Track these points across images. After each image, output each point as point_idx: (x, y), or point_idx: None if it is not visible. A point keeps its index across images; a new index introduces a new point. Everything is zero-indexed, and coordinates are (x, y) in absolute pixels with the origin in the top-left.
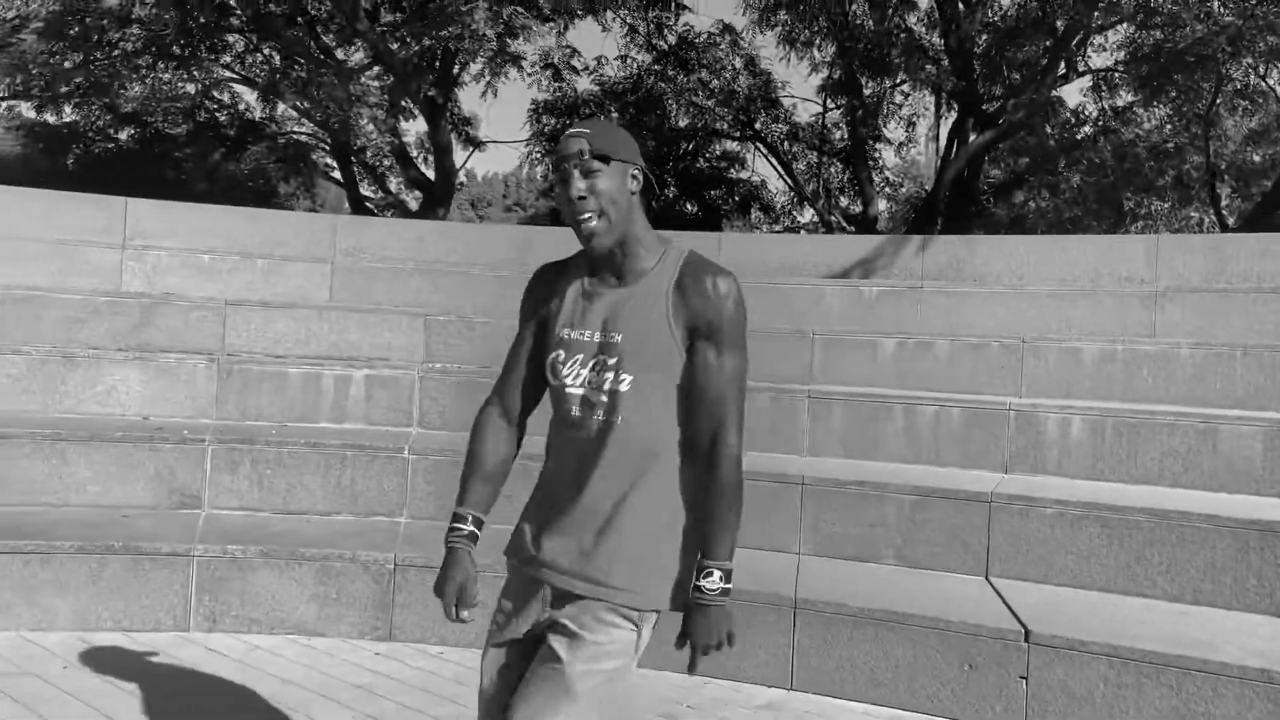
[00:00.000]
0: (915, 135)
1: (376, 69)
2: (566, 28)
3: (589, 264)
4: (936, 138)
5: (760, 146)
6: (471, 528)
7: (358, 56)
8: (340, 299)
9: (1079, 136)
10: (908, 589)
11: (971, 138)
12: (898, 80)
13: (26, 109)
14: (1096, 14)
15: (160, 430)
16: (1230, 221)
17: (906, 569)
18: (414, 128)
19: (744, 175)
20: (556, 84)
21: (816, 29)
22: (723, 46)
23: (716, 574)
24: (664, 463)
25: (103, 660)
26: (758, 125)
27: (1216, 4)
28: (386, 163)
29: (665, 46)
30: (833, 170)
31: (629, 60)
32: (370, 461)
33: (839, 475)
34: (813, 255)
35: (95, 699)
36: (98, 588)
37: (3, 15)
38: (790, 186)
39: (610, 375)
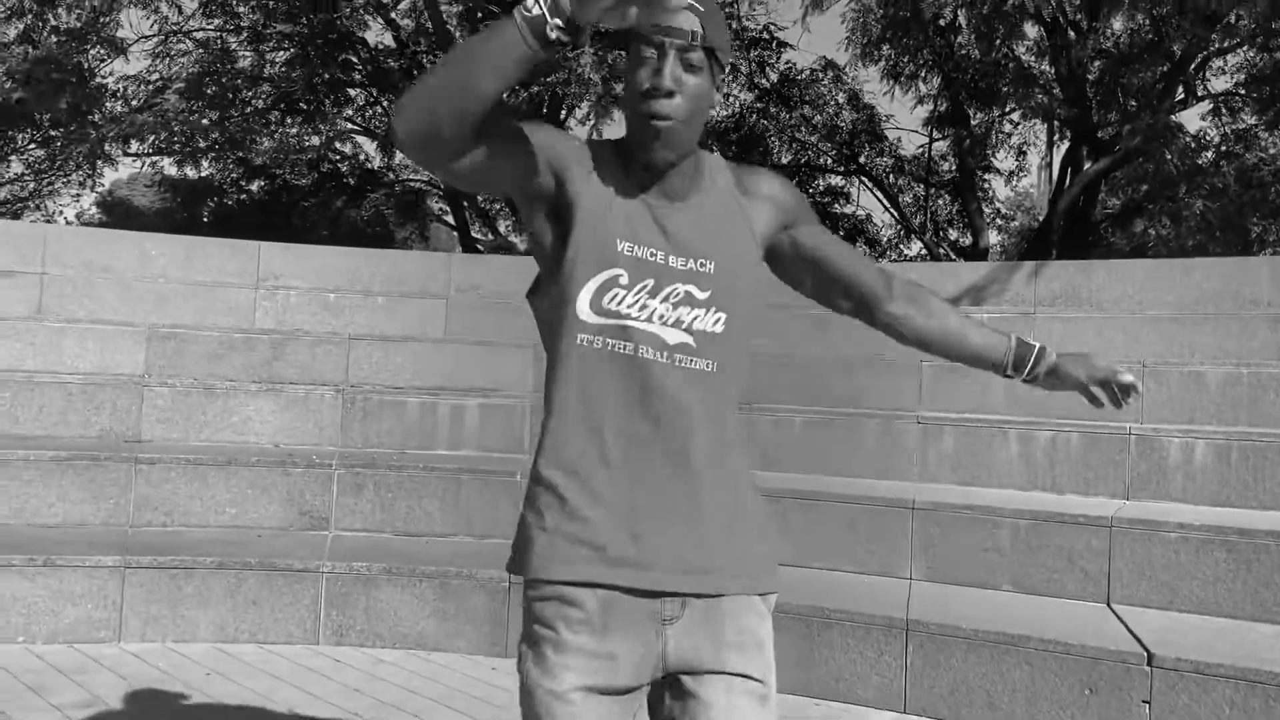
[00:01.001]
0: (1026, 164)
1: None
2: None
3: (629, 169)
4: (1049, 166)
5: (865, 180)
6: None
7: None
8: (454, 333)
9: (1200, 162)
10: (1024, 613)
11: (1086, 166)
12: (1006, 109)
13: (168, 165)
14: (1214, 36)
15: (291, 456)
16: None
17: (1023, 595)
18: None
19: (849, 210)
20: None
21: (921, 61)
22: (825, 82)
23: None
24: (740, 418)
25: (240, 670)
26: (862, 159)
27: None
28: (496, 206)
29: (767, 84)
30: (940, 202)
31: (731, 99)
32: (484, 485)
33: (951, 500)
34: (921, 282)
35: (234, 706)
36: (235, 602)
37: (147, 78)
38: (897, 219)
39: (699, 312)
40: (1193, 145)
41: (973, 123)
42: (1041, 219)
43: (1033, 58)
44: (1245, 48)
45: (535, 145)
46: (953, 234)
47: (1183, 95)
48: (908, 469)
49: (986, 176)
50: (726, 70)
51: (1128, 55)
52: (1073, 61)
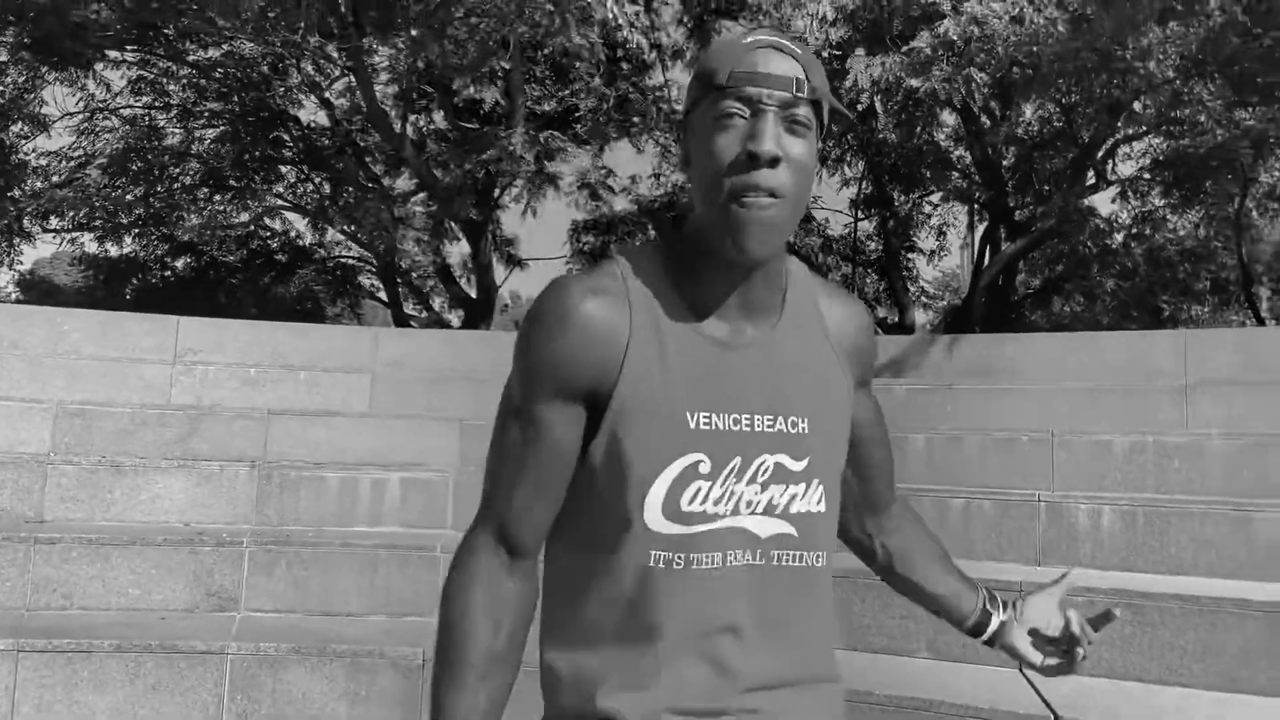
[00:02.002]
0: (947, 244)
1: (422, 194)
2: (602, 149)
3: (685, 282)
4: (970, 246)
5: (795, 259)
6: None
7: (403, 182)
8: (380, 408)
9: (1110, 243)
10: (940, 679)
11: (1004, 246)
12: (927, 191)
13: (89, 241)
14: (1119, 124)
15: (200, 534)
16: (1271, 324)
17: (940, 661)
18: (457, 249)
19: None
20: (594, 203)
21: (845, 146)
22: None
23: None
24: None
25: None
26: (792, 238)
27: (1238, 109)
28: (430, 283)
29: None
30: (868, 281)
31: (662, 179)
32: (404, 561)
33: (864, 566)
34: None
35: None
36: (134, 686)
37: (70, 154)
38: None
39: (797, 489)
40: (1104, 227)
41: (895, 204)
42: (964, 297)
43: (951, 143)
44: (1149, 135)
45: (566, 425)
46: (881, 311)
47: (1093, 179)
48: None
49: (910, 256)
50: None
51: (1039, 141)
52: (988, 147)
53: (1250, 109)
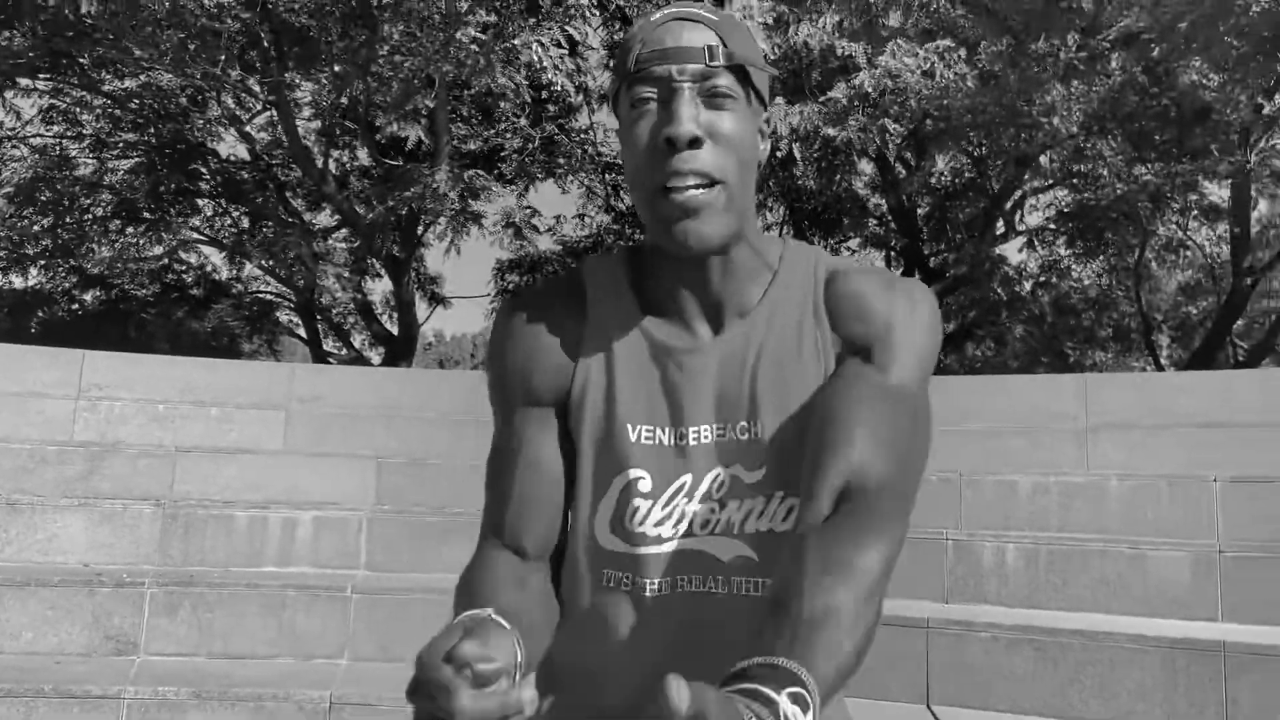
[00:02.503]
0: None
1: (344, 230)
2: (527, 189)
3: (646, 285)
4: None
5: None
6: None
7: (324, 218)
8: (295, 445)
9: (1019, 290)
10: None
11: None
12: (846, 237)
13: None
14: (1027, 176)
15: (99, 575)
16: (1170, 370)
17: (849, 698)
18: (380, 286)
19: None
20: (519, 242)
21: (768, 191)
22: None
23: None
24: None
25: None
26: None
27: (1137, 165)
28: (351, 319)
29: (623, 208)
30: None
31: (587, 220)
32: (312, 602)
33: None
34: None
35: None
36: None
37: None
38: None
39: (754, 505)
40: (1013, 275)
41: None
42: None
43: (868, 191)
44: (1055, 187)
45: (541, 430)
46: None
47: (1003, 229)
48: None
49: None
50: (769, 97)
51: (952, 191)
52: (903, 196)
53: (1148, 165)
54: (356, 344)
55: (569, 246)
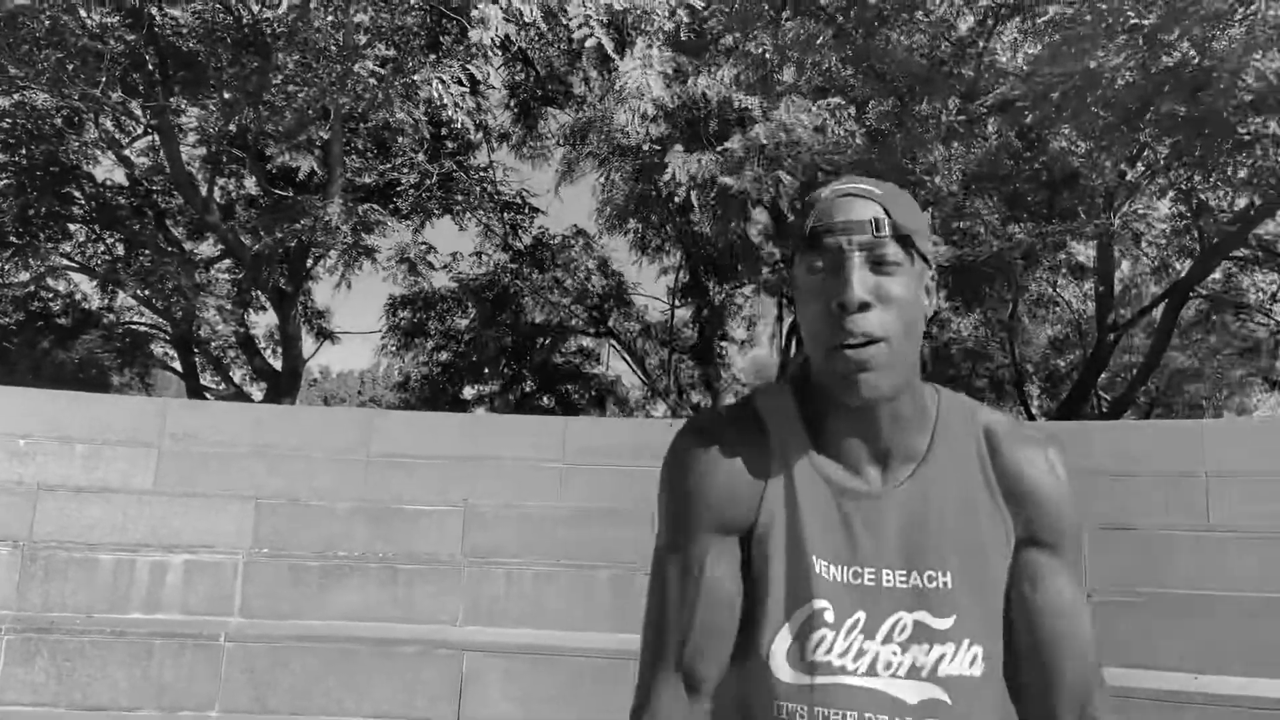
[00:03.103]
0: (756, 335)
1: (227, 261)
2: (423, 225)
3: (816, 424)
4: (778, 336)
5: (614, 343)
6: None
7: (206, 248)
8: (166, 485)
9: None
10: None
11: None
12: (740, 283)
13: None
14: None
15: None
16: (1039, 419)
17: None
18: (264, 319)
19: (599, 370)
20: (413, 278)
21: (665, 236)
22: (576, 249)
23: None
24: None
25: None
26: (611, 322)
27: (1011, 224)
28: (231, 353)
29: (521, 247)
30: (683, 367)
31: (485, 258)
32: (180, 650)
33: None
34: (660, 437)
35: None
36: None
37: None
38: (644, 381)
39: (946, 650)
40: None
41: (710, 294)
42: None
43: (762, 239)
44: (937, 244)
45: (723, 556)
46: (695, 397)
47: None
48: None
49: (724, 344)
50: (934, 267)
51: None
52: None
53: (1021, 224)
54: (237, 379)
55: (464, 284)
